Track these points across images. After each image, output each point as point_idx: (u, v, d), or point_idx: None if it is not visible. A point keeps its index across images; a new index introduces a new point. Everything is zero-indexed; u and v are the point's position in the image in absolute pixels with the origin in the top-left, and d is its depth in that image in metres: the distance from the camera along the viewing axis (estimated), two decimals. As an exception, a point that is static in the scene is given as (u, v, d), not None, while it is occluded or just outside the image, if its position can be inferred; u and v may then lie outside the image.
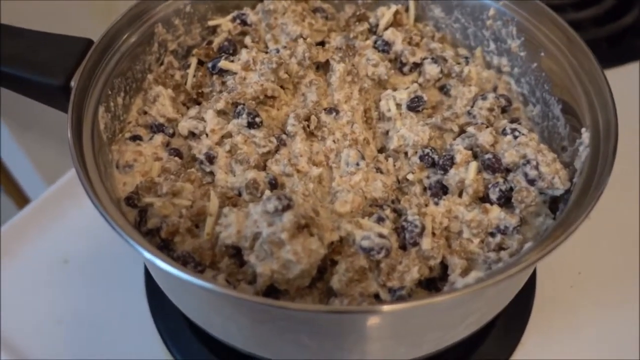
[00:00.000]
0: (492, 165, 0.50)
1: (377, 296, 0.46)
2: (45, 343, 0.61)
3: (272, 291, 0.45)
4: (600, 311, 0.61)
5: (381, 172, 0.53)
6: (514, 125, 0.53)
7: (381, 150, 0.57)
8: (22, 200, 1.17)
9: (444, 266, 0.49)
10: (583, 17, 0.88)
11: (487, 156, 0.50)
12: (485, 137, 0.51)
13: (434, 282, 0.49)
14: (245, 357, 0.55)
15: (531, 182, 0.49)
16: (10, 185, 1.12)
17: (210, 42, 0.61)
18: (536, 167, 0.48)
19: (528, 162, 0.49)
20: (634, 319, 0.60)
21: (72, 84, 0.52)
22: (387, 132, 0.57)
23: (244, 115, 0.52)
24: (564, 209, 0.47)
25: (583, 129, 0.51)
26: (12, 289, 0.64)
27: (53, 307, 0.63)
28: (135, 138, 0.53)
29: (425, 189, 0.53)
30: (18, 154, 0.90)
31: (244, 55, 0.56)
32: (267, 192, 0.48)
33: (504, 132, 0.52)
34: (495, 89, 0.62)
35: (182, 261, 0.44)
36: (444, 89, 0.61)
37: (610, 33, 0.87)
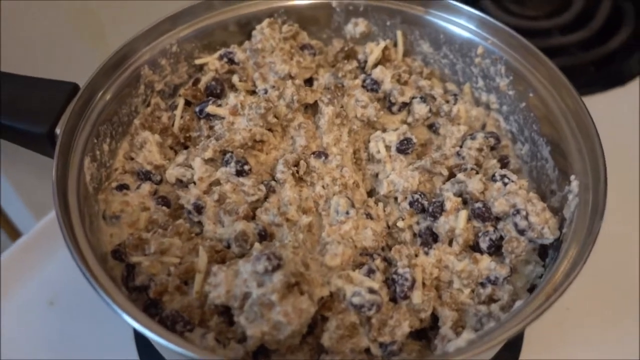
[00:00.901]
0: (482, 215, 0.50)
1: (367, 351, 0.46)
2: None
3: (262, 349, 0.44)
4: (589, 348, 0.61)
5: (371, 218, 0.53)
6: (503, 172, 0.53)
7: (370, 192, 0.57)
8: (14, 233, 1.15)
9: (435, 316, 0.49)
10: (570, 42, 0.88)
11: (477, 205, 0.50)
12: (475, 185, 0.51)
13: (425, 332, 0.49)
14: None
15: (521, 232, 0.49)
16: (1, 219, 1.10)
17: (197, 81, 0.61)
18: (526, 218, 0.48)
19: (518, 211, 0.49)
20: (623, 354, 0.61)
21: (57, 131, 0.51)
22: (376, 175, 0.57)
23: (232, 164, 0.52)
24: (556, 256, 0.47)
25: (572, 177, 0.51)
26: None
27: (37, 348, 0.62)
28: (122, 187, 0.52)
29: (415, 235, 0.53)
30: (6, 188, 0.88)
31: (231, 99, 0.55)
32: (257, 245, 0.48)
33: (493, 179, 0.52)
34: (484, 127, 0.62)
35: (171, 320, 0.44)
36: (432, 127, 0.61)
37: (597, 57, 0.87)
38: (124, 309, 0.39)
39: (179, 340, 0.39)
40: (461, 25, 0.61)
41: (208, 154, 0.52)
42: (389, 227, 0.54)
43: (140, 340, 0.60)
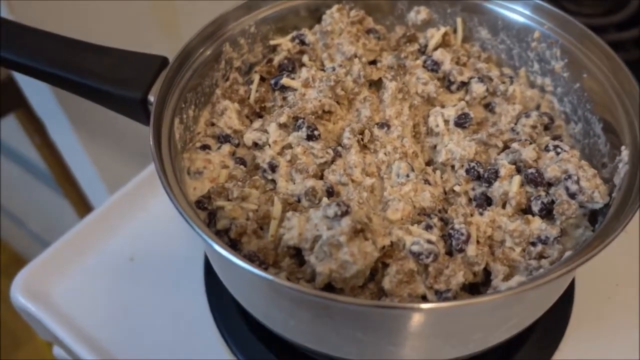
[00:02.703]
0: (535, 179, 0.53)
1: (424, 297, 0.50)
2: (110, 335, 0.66)
3: (328, 289, 0.49)
4: (637, 322, 0.63)
5: (429, 184, 0.57)
6: (556, 142, 0.56)
7: (428, 163, 0.61)
8: (80, 202, 1.24)
9: (487, 273, 0.53)
10: (626, 38, 0.90)
11: (530, 170, 0.54)
12: (528, 153, 0.55)
13: (477, 287, 0.53)
14: (302, 356, 0.60)
15: (572, 195, 0.52)
16: (73, 189, 1.19)
17: (270, 60, 0.67)
18: (577, 182, 0.52)
19: (569, 177, 0.52)
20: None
21: (150, 97, 0.57)
22: (434, 146, 0.61)
23: (304, 129, 0.57)
24: (603, 222, 0.50)
25: (622, 147, 0.54)
26: (84, 283, 0.70)
27: (119, 300, 0.69)
28: (205, 147, 0.58)
29: (470, 200, 0.57)
30: (84, 162, 0.97)
31: (304, 73, 0.61)
32: (325, 200, 0.53)
33: (546, 149, 0.56)
34: (538, 107, 0.65)
35: (249, 259, 0.49)
36: (489, 107, 0.64)
37: (653, 53, 0.89)
38: (214, 240, 0.45)
39: (262, 270, 0.44)
40: (518, 11, 0.65)
41: (283, 118, 0.57)
42: (445, 192, 0.58)
43: (211, 291, 0.66)
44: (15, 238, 1.84)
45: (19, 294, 0.68)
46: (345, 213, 0.47)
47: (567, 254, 0.48)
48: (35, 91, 0.89)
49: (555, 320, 0.62)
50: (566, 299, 0.64)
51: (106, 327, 0.67)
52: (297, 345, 0.56)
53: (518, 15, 0.65)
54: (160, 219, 0.76)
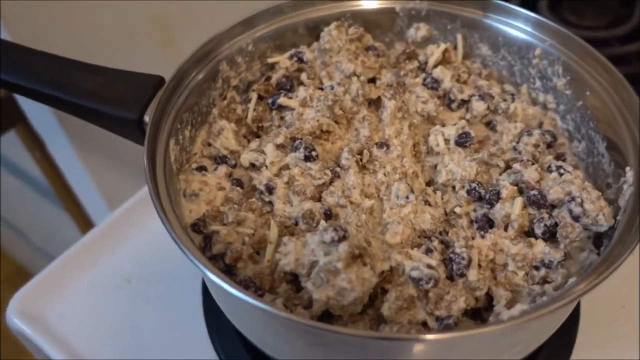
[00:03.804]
0: (538, 202, 0.52)
1: (424, 324, 0.49)
2: (105, 357, 0.65)
3: (326, 316, 0.48)
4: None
5: (429, 205, 0.56)
6: (559, 163, 0.55)
7: (429, 183, 0.60)
8: (80, 215, 1.24)
9: (489, 297, 0.51)
10: (629, 51, 0.89)
11: (532, 192, 0.53)
12: (530, 174, 0.54)
13: (480, 312, 0.52)
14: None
15: (576, 218, 0.51)
16: (73, 203, 1.19)
17: (268, 78, 0.66)
18: (581, 204, 0.51)
19: (573, 199, 0.51)
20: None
21: (146, 118, 0.57)
22: (435, 166, 0.60)
23: (301, 149, 0.56)
24: (608, 245, 0.49)
25: (627, 168, 0.53)
26: (80, 305, 0.69)
27: (115, 322, 0.68)
28: (201, 169, 0.57)
29: (471, 221, 0.56)
30: (83, 176, 0.96)
31: (301, 92, 0.60)
32: (323, 223, 0.52)
33: (549, 169, 0.55)
34: (540, 125, 0.64)
35: (244, 285, 0.48)
36: (490, 125, 0.63)
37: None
38: (208, 268, 0.44)
39: (257, 298, 0.43)
40: (519, 27, 0.64)
41: (280, 139, 0.56)
42: (446, 214, 0.57)
43: (208, 311, 0.65)
44: (16, 249, 1.84)
45: (15, 316, 0.67)
46: (342, 238, 0.46)
47: (572, 280, 0.47)
48: (34, 108, 0.89)
49: (561, 343, 0.61)
50: (572, 321, 0.63)
51: (102, 348, 0.66)
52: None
53: (519, 31, 0.64)
54: (157, 238, 0.75)
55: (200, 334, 0.65)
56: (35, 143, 1.08)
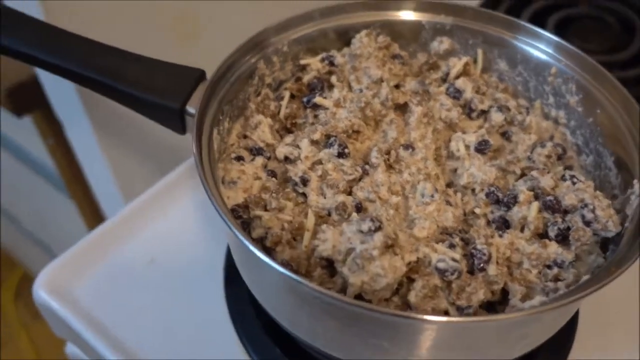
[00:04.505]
0: (553, 206, 0.57)
1: (446, 313, 0.53)
2: (128, 334, 0.68)
3: (358, 300, 0.51)
4: None
5: (450, 205, 0.60)
6: (572, 172, 0.60)
7: (448, 185, 0.64)
8: (89, 207, 1.25)
9: (503, 292, 0.56)
10: (629, 76, 0.94)
11: (548, 198, 0.57)
12: (547, 181, 0.58)
13: (494, 305, 0.56)
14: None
15: (587, 223, 0.55)
16: (82, 194, 1.21)
17: (299, 78, 0.70)
18: (593, 211, 0.55)
19: (586, 205, 0.56)
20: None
21: (188, 108, 0.60)
22: (454, 170, 0.64)
23: (335, 146, 0.60)
24: (615, 249, 0.54)
25: (635, 181, 0.57)
26: (105, 283, 0.72)
27: (139, 301, 0.71)
28: (240, 158, 0.61)
29: (488, 222, 0.60)
30: (101, 167, 0.98)
31: (335, 93, 0.64)
32: (354, 215, 0.56)
33: (563, 178, 0.59)
34: (551, 138, 0.69)
35: (282, 267, 0.51)
36: (505, 135, 0.68)
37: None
38: (255, 246, 0.47)
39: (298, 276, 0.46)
40: (538, 48, 0.69)
41: (316, 135, 0.60)
42: (465, 214, 0.61)
43: (230, 296, 0.68)
44: (10, 238, 1.84)
45: (42, 290, 0.69)
46: (378, 228, 0.50)
47: (585, 277, 0.51)
48: (59, 91, 0.91)
49: (559, 343, 0.65)
50: (570, 322, 0.67)
51: (125, 326, 0.68)
52: (317, 352, 0.59)
53: (538, 51, 0.69)
54: (179, 226, 0.78)
55: (222, 317, 0.68)
56: (51, 129, 1.10)
